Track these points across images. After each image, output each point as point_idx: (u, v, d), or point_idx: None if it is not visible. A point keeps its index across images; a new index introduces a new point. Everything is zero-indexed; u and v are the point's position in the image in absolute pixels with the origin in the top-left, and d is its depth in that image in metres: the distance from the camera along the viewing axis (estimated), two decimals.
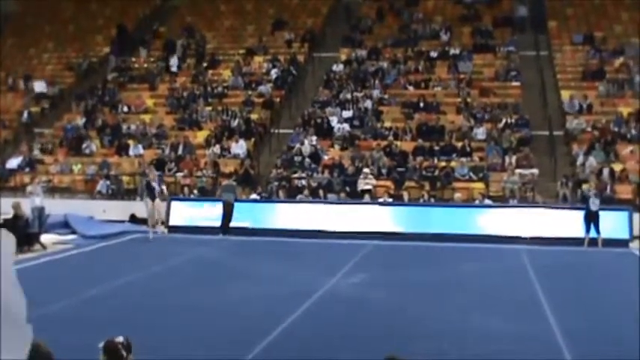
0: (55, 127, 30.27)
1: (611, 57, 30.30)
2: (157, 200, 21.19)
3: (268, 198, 23.73)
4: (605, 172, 23.40)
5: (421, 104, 28.16)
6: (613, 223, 20.31)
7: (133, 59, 34.61)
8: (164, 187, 22.11)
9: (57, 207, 21.96)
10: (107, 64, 34.57)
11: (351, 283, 14.23)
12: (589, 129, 25.96)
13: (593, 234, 19.77)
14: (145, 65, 33.75)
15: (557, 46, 32.19)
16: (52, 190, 25.27)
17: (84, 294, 12.74)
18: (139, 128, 28.71)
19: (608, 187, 22.78)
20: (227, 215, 21.81)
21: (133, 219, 23.52)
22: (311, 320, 11.24)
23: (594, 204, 19.75)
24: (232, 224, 21.81)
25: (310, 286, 13.63)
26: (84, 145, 28.00)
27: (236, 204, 22.05)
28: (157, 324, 10.86)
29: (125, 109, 30.43)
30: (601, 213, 19.86)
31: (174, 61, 33.03)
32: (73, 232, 21.52)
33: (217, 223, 21.85)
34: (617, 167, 23.85)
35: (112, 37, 36.48)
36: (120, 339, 4.97)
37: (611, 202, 21.75)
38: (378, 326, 10.93)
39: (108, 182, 25.68)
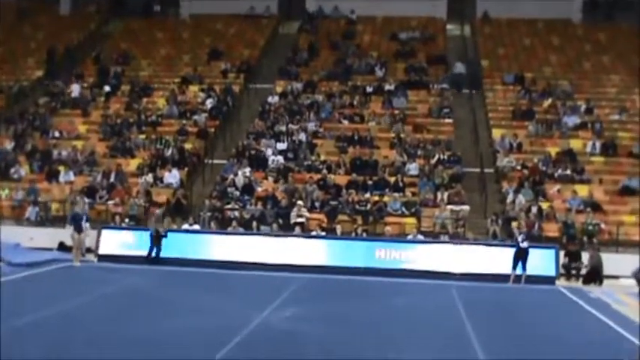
0: None
1: (540, 98, 31.16)
2: (84, 233, 21.01)
3: (200, 229, 23.55)
4: (534, 210, 23.92)
5: (355, 138, 28.43)
6: (540, 261, 20.75)
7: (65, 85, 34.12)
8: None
9: None
10: (39, 88, 34.05)
11: (283, 317, 14.17)
12: (519, 167, 26.55)
13: (519, 271, 20.14)
14: (79, 91, 33.27)
15: (489, 85, 32.92)
16: None
17: (8, 324, 12.37)
18: (70, 154, 28.25)
19: (536, 225, 23.27)
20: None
21: (62, 247, 23.07)
22: (242, 354, 11.14)
23: (524, 242, 20.16)
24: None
25: (242, 318, 13.49)
26: (12, 170, 27.44)
27: (169, 234, 21.95)
28: (85, 356, 10.62)
29: (56, 134, 29.94)
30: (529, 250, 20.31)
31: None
32: None
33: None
34: (545, 205, 24.42)
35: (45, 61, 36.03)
36: None
37: (538, 240, 22.22)
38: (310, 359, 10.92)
39: (37, 209, 25.16)
